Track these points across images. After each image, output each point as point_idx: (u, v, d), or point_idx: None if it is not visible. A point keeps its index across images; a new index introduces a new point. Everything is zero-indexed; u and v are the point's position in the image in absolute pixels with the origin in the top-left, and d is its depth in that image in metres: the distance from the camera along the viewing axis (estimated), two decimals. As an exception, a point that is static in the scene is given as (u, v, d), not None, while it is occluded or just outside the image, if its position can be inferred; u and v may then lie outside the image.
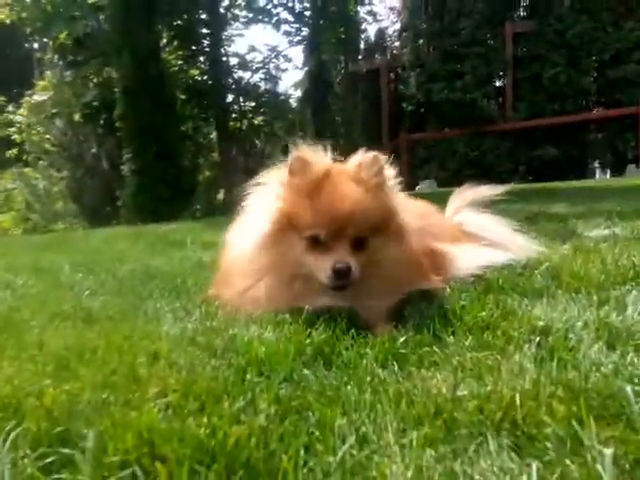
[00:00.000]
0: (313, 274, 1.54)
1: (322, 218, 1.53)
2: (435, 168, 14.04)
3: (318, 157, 1.66)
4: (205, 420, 0.86)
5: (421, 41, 14.85)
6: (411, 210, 1.87)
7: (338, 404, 1.01)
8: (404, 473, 0.76)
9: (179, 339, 1.34)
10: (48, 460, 0.82)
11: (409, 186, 13.27)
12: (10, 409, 0.98)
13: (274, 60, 15.54)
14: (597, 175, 14.80)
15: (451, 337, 1.37)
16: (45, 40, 14.18)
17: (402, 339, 1.35)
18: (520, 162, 13.65)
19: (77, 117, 13.33)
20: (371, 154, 1.68)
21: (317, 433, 0.90)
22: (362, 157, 1.69)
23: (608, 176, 14.12)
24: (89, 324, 1.57)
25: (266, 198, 1.67)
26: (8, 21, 12.67)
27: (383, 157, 1.72)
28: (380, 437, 0.90)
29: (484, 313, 1.52)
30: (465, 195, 2.56)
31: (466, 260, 2.01)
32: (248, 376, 1.11)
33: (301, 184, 1.59)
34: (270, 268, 1.61)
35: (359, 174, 1.63)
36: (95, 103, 12.94)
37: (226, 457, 0.79)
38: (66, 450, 0.83)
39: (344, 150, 1.80)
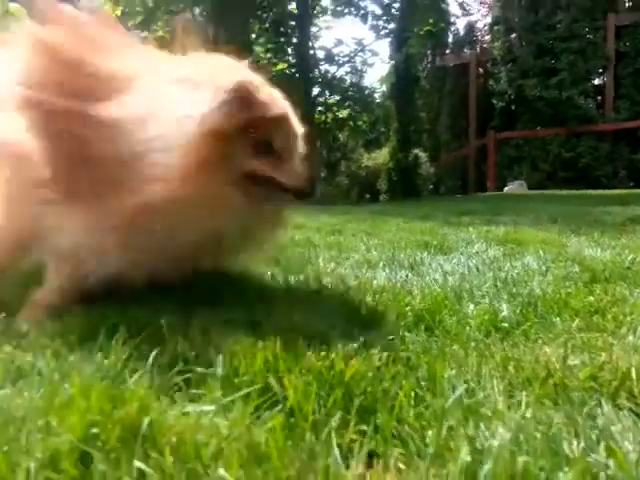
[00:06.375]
0: None
1: None
2: (526, 169, 13.42)
3: None
4: (323, 354, 0.92)
5: (513, 35, 14.24)
6: None
7: (444, 361, 1.03)
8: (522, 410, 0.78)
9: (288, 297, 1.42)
10: (187, 376, 0.91)
11: (496, 187, 12.87)
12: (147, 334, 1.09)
13: (360, 54, 15.52)
14: None
15: (557, 318, 1.35)
16: (143, 34, 15.01)
17: (503, 313, 1.36)
18: (620, 166, 12.74)
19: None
20: None
21: (426, 382, 0.93)
22: None
23: None
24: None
25: None
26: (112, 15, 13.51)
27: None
28: (487, 397, 0.91)
29: (592, 298, 1.48)
30: None
31: None
32: (355, 330, 1.16)
33: None
34: None
35: None
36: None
37: (344, 387, 0.84)
38: (200, 369, 0.92)
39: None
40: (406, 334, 1.21)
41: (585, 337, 1.18)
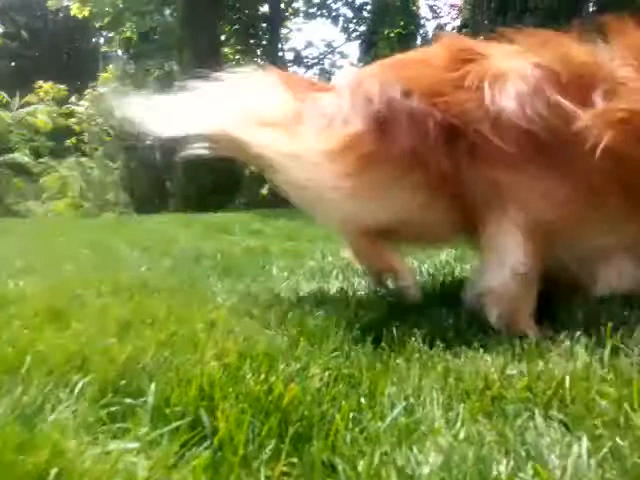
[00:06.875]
0: None
1: None
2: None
3: None
4: (262, 378, 0.90)
5: (481, 38, 14.52)
6: None
7: (387, 376, 1.02)
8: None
9: (235, 311, 1.40)
10: (113, 409, 0.86)
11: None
12: (76, 362, 1.04)
13: (329, 56, 15.57)
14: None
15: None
16: (111, 34, 14.58)
17: (449, 321, 1.36)
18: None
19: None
20: None
21: (366, 400, 0.92)
22: None
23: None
24: (147, 295, 1.65)
25: None
26: (80, 16, 13.06)
27: None
28: (427, 413, 0.90)
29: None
30: None
31: None
32: (300, 346, 1.14)
33: None
34: None
35: None
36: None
37: (281, 413, 0.82)
38: (129, 400, 0.88)
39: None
40: (352, 347, 1.20)
41: (525, 344, 1.20)
